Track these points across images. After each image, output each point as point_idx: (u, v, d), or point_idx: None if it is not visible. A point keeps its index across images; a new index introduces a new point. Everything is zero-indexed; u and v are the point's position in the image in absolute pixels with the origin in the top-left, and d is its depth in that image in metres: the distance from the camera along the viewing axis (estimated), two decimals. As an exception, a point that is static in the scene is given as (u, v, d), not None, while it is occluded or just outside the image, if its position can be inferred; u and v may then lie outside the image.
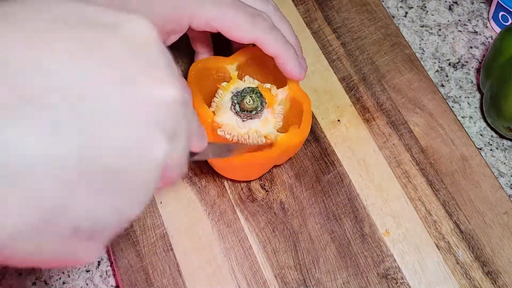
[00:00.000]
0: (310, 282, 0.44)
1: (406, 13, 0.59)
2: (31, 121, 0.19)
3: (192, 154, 0.32)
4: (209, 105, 0.45)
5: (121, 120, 0.21)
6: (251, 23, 0.41)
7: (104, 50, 0.21)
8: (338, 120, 0.51)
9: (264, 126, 0.45)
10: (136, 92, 0.22)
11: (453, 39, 0.57)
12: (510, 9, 0.54)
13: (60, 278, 0.46)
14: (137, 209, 0.23)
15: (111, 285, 0.47)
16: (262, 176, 0.48)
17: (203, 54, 0.50)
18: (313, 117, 0.51)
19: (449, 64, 0.56)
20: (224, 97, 0.45)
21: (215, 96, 0.46)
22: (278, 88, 0.46)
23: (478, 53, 0.56)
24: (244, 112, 0.44)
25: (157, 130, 0.22)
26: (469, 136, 0.49)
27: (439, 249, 0.45)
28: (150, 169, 0.22)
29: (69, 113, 0.20)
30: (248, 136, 0.44)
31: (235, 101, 0.44)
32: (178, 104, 0.23)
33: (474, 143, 0.49)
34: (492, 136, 0.52)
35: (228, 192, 0.48)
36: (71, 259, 0.22)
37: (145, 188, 0.23)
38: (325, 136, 0.50)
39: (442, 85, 0.55)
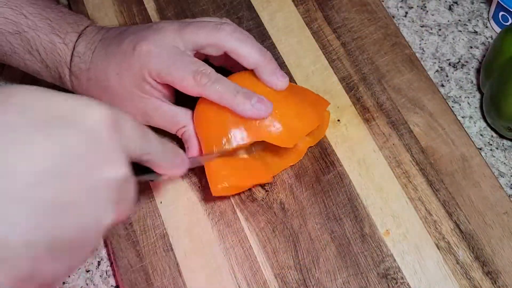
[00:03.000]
0: (310, 282, 0.44)
1: (406, 13, 0.59)
2: (12, 217, 0.24)
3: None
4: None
5: (79, 202, 0.26)
6: (194, 79, 0.43)
7: (60, 141, 0.26)
8: (338, 120, 0.51)
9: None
10: (90, 175, 0.27)
11: (453, 39, 0.57)
12: (510, 9, 0.54)
13: (60, 278, 0.46)
14: (85, 260, 0.30)
15: (111, 285, 0.47)
16: (262, 176, 0.48)
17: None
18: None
19: (449, 64, 0.56)
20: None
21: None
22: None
23: (478, 53, 0.56)
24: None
25: (108, 203, 0.28)
26: (469, 136, 0.49)
27: (439, 249, 0.45)
28: (99, 232, 0.28)
29: (40, 202, 0.25)
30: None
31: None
32: (122, 180, 0.28)
33: (474, 143, 0.49)
34: (492, 136, 0.52)
35: (228, 192, 0.48)
36: None
37: (94, 245, 0.29)
38: (325, 136, 0.50)
39: (442, 85, 0.55)
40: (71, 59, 0.47)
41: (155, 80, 0.44)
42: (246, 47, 0.44)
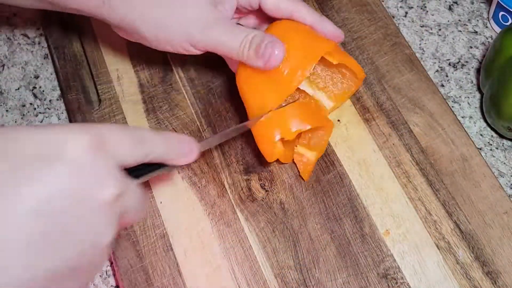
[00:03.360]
0: (310, 282, 0.44)
1: (406, 13, 0.59)
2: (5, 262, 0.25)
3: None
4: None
5: (73, 231, 0.27)
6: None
7: (44, 181, 0.26)
8: (338, 120, 0.51)
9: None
10: (82, 204, 0.27)
11: (453, 39, 0.57)
12: (510, 9, 0.54)
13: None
14: (95, 275, 0.29)
15: (111, 285, 0.47)
16: (262, 176, 0.48)
17: None
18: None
19: (449, 64, 0.56)
20: None
21: None
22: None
23: (478, 53, 0.56)
24: None
25: (106, 224, 0.28)
26: (469, 136, 0.49)
27: (439, 249, 0.45)
28: (102, 251, 0.29)
29: (31, 242, 0.25)
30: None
31: None
32: (118, 195, 0.28)
33: (474, 143, 0.49)
34: (492, 136, 0.52)
35: (228, 192, 0.48)
36: None
37: (101, 262, 0.29)
38: (325, 136, 0.50)
39: (442, 85, 0.55)
40: None
41: None
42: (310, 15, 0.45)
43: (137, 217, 0.32)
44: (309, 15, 0.45)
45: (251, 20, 0.50)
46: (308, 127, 0.44)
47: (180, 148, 0.36)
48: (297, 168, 0.48)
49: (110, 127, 0.30)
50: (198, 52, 0.45)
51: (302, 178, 0.48)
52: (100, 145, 0.28)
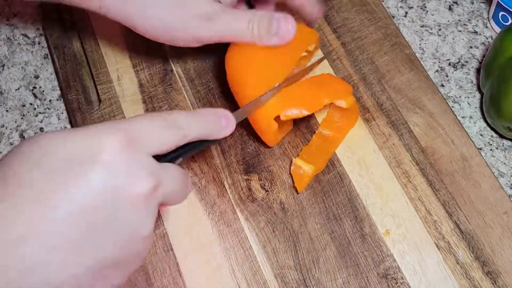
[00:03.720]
0: (310, 282, 0.44)
1: (406, 13, 0.59)
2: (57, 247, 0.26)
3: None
4: None
5: (112, 228, 0.28)
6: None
7: (82, 184, 0.27)
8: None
9: None
10: (119, 201, 0.28)
11: (453, 39, 0.57)
12: (510, 9, 0.54)
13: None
14: (135, 269, 0.31)
15: (111, 285, 0.47)
16: (262, 176, 0.48)
17: None
18: (314, 117, 0.51)
19: (449, 64, 0.56)
20: None
21: None
22: None
23: (478, 53, 0.56)
24: None
25: (144, 216, 0.29)
26: (469, 136, 0.49)
27: (439, 249, 0.45)
28: (143, 242, 0.30)
29: (70, 241, 0.27)
30: None
31: None
32: (153, 189, 0.29)
33: (474, 143, 0.49)
34: (492, 136, 0.52)
35: (228, 192, 0.48)
36: None
37: (144, 252, 0.30)
38: (325, 136, 0.50)
39: (442, 85, 0.55)
40: None
41: None
42: None
43: (181, 198, 0.33)
44: None
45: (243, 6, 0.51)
46: (306, 112, 0.44)
47: (217, 124, 0.36)
48: (292, 180, 0.48)
49: (144, 119, 0.31)
50: (201, 44, 0.45)
51: (296, 191, 0.47)
52: (132, 143, 0.29)
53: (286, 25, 0.43)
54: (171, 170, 0.31)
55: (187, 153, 0.34)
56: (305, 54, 0.48)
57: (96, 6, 0.44)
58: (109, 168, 0.28)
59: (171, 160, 0.33)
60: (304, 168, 0.47)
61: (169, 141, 0.31)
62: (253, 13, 0.44)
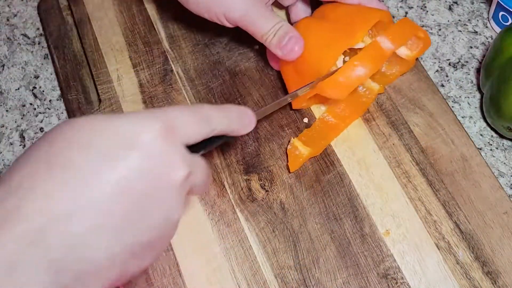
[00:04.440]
0: (310, 282, 0.44)
1: (406, 13, 0.59)
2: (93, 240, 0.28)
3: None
4: None
5: (148, 210, 0.29)
6: None
7: (124, 167, 0.28)
8: (338, 120, 0.51)
9: None
10: (156, 185, 0.29)
11: (453, 39, 0.57)
12: (510, 9, 0.54)
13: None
14: (161, 254, 0.33)
15: (111, 285, 0.47)
16: (262, 176, 0.48)
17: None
18: (314, 117, 0.51)
19: (449, 64, 0.56)
20: None
21: None
22: None
23: (478, 53, 0.56)
24: None
25: (175, 202, 0.30)
26: (469, 136, 0.49)
27: (439, 249, 0.45)
28: (174, 225, 0.31)
29: (112, 222, 0.28)
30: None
31: None
32: (186, 176, 0.31)
33: (474, 143, 0.49)
34: (492, 136, 0.52)
35: (228, 192, 0.48)
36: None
37: (171, 235, 0.32)
38: (325, 136, 0.50)
39: (442, 85, 0.55)
40: None
41: None
42: None
43: (204, 189, 0.34)
44: None
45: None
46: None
47: (241, 120, 0.38)
48: (297, 168, 0.48)
49: (179, 110, 0.32)
50: (230, 26, 0.49)
51: (289, 170, 0.48)
52: (170, 131, 0.30)
53: (294, 45, 0.46)
54: (199, 161, 0.33)
55: (209, 147, 0.35)
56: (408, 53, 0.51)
57: None
58: (147, 154, 0.29)
59: (196, 152, 0.34)
60: (301, 149, 0.48)
61: (199, 133, 0.33)
62: (279, 20, 0.47)
